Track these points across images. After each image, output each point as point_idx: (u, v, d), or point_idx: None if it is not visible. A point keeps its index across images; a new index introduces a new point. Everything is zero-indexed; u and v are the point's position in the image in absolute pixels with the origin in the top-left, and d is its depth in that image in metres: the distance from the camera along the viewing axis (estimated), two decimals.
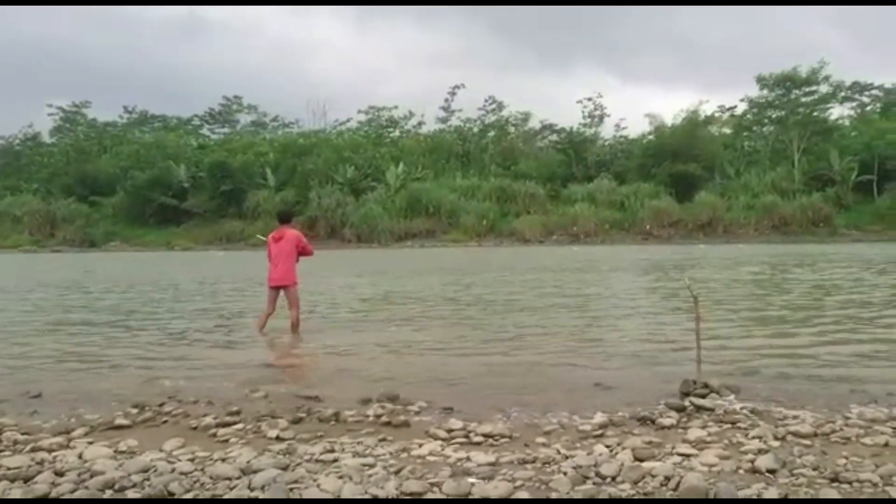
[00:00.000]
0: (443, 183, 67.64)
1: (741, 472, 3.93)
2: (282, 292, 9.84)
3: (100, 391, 6.32)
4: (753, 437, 4.59)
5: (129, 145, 75.91)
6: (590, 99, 77.73)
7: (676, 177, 63.27)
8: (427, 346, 8.69)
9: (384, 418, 5.17)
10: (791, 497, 3.52)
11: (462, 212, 62.91)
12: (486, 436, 4.72)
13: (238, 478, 3.85)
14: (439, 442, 4.61)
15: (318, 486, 3.67)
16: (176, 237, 64.15)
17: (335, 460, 4.19)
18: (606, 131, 79.05)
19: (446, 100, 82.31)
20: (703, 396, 5.69)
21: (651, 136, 71.95)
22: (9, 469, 4.07)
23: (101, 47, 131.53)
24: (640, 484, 3.72)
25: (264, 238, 10.25)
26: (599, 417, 5.17)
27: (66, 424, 5.18)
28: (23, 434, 4.92)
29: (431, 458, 4.26)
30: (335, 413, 5.26)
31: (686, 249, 42.21)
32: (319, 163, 68.06)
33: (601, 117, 77.87)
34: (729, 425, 4.95)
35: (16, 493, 3.64)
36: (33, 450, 4.53)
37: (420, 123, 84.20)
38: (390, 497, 3.55)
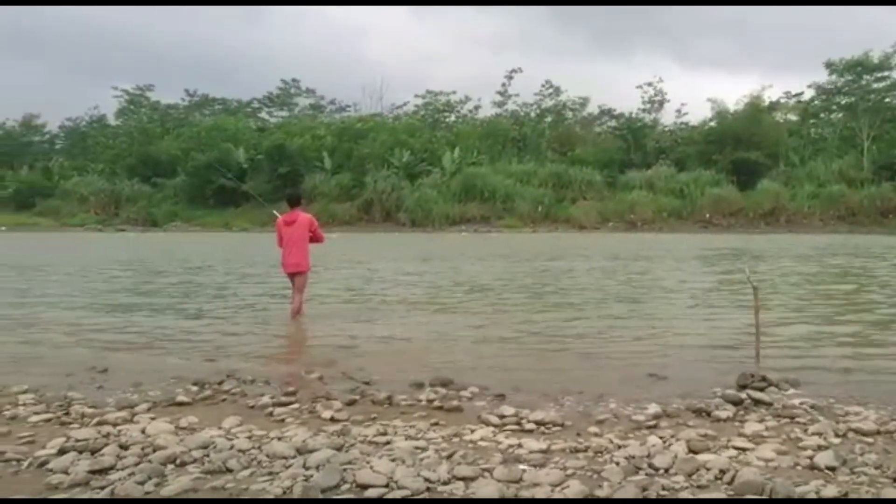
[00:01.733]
0: (498, 168, 67.37)
1: (799, 468, 3.85)
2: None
3: (161, 369, 6.51)
4: (813, 433, 4.49)
5: (190, 128, 77.43)
6: (649, 84, 76.35)
7: (738, 164, 61.83)
8: (481, 332, 8.70)
9: (437, 403, 5.22)
10: (851, 496, 3.44)
11: (517, 197, 62.60)
12: (539, 423, 4.72)
13: (293, 457, 3.94)
14: (491, 428, 4.62)
15: (371, 467, 3.73)
16: (234, 218, 65.31)
17: (388, 443, 4.24)
18: (666, 117, 77.58)
19: (503, 84, 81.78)
20: (762, 390, 5.58)
21: (712, 123, 70.37)
22: (77, 441, 4.23)
23: (164, 31, 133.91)
24: (694, 476, 3.68)
25: (279, 214, 9.84)
26: (653, 408, 5.11)
27: (129, 399, 5.36)
28: (90, 408, 5.10)
29: (483, 444, 4.28)
30: (388, 396, 5.32)
31: (747, 239, 41.30)
32: (375, 146, 68.42)
33: (661, 103, 76.50)
34: (787, 420, 4.85)
35: (84, 465, 3.78)
36: (99, 423, 4.69)
37: (476, 108, 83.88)
38: (442, 479, 3.58)
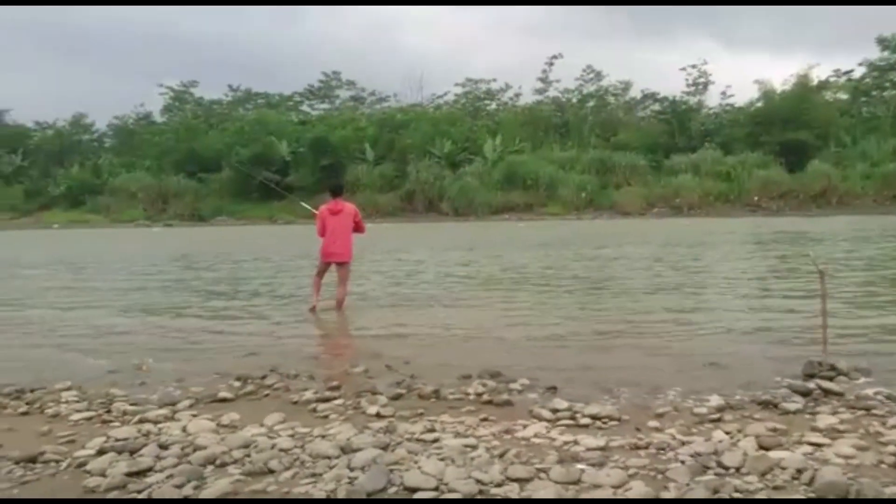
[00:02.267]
0: (540, 155, 66.75)
1: (884, 466, 3.54)
2: (332, 267, 9.50)
3: (205, 364, 6.40)
4: (893, 427, 4.15)
5: (233, 123, 78.20)
6: (693, 66, 74.78)
7: (786, 145, 60.22)
8: (529, 322, 8.45)
9: (485, 396, 4.99)
10: None
11: (560, 184, 61.94)
12: (594, 417, 4.46)
13: (338, 457, 3.75)
14: (544, 423, 4.39)
15: (420, 468, 3.52)
16: (278, 211, 65.80)
17: (436, 440, 4.03)
18: (711, 99, 75.98)
19: (543, 70, 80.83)
20: (831, 379, 5.24)
21: (759, 104, 68.62)
22: (116, 440, 4.10)
23: (208, 29, 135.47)
24: (769, 476, 3.39)
25: (310, 208, 9.71)
26: (716, 400, 4.81)
27: (171, 396, 5.24)
28: (131, 405, 4.99)
29: (536, 441, 4.05)
30: (435, 390, 5.11)
31: (798, 222, 40.18)
32: (417, 137, 68.34)
33: (705, 85, 74.89)
34: (863, 412, 4.51)
35: (122, 467, 3.64)
36: (140, 421, 4.57)
37: (517, 95, 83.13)
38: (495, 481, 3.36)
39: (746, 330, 7.61)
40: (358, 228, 9.46)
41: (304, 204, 10.49)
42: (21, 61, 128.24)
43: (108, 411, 4.87)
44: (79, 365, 6.57)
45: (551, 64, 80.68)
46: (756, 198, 57.58)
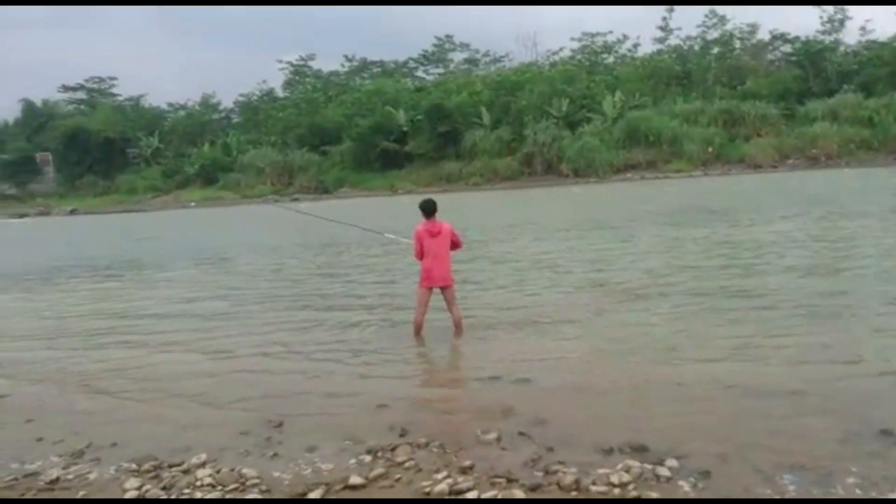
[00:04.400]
0: (662, 109, 64.33)
1: None
2: (435, 290, 8.96)
3: (335, 420, 6.30)
4: None
5: (351, 93, 79.52)
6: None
7: None
8: (673, 353, 7.71)
9: (632, 487, 4.60)
10: None
11: (685, 139, 59.57)
12: None
13: None
14: None
15: None
16: (399, 180, 66.69)
17: None
18: (849, 37, 70.62)
19: (663, 18, 77.55)
20: None
21: None
22: None
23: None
24: None
25: (407, 240, 9.08)
26: None
27: (302, 478, 5.15)
28: (264, 492, 4.93)
29: None
30: (575, 480, 4.75)
31: None
32: (533, 98, 67.24)
33: (842, 21, 69.67)
34: None
35: None
36: None
37: (635, 46, 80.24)
38: None
39: None
40: (456, 245, 9.04)
41: (388, 235, 10.19)
42: (155, 46, 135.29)
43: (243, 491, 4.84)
44: (212, 417, 6.64)
45: (671, 10, 77.15)
46: None
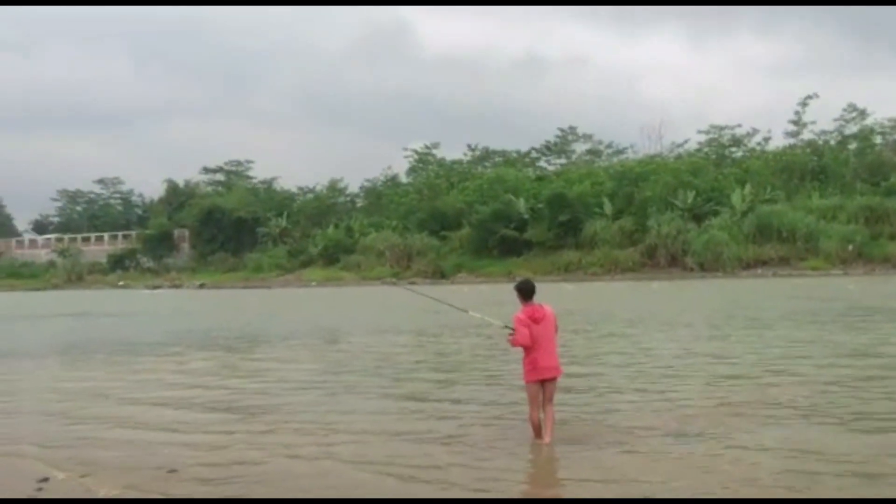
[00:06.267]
0: (796, 204, 61.42)
1: None
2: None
3: None
4: None
5: (473, 181, 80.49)
6: None
7: None
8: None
9: None
10: None
11: (822, 236, 56.35)
12: None
13: None
14: None
15: None
16: (516, 268, 66.08)
17: None
18: None
19: (796, 112, 75.11)
20: None
21: None
22: None
23: (450, 92, 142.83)
24: None
25: (511, 329, 7.45)
26: None
27: None
28: None
29: None
30: None
31: None
32: (657, 189, 65.89)
33: None
34: None
35: None
36: None
37: (766, 140, 77.85)
38: None
39: None
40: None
41: (489, 319, 8.34)
42: (292, 132, 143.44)
43: None
44: None
45: (805, 104, 74.94)
46: None
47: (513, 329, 7.40)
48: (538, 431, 7.48)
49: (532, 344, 7.33)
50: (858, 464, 6.35)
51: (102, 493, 5.73)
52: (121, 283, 78.28)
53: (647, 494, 5.71)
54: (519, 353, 7.54)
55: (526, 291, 7.56)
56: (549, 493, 6.37)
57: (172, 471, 6.68)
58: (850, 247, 54.81)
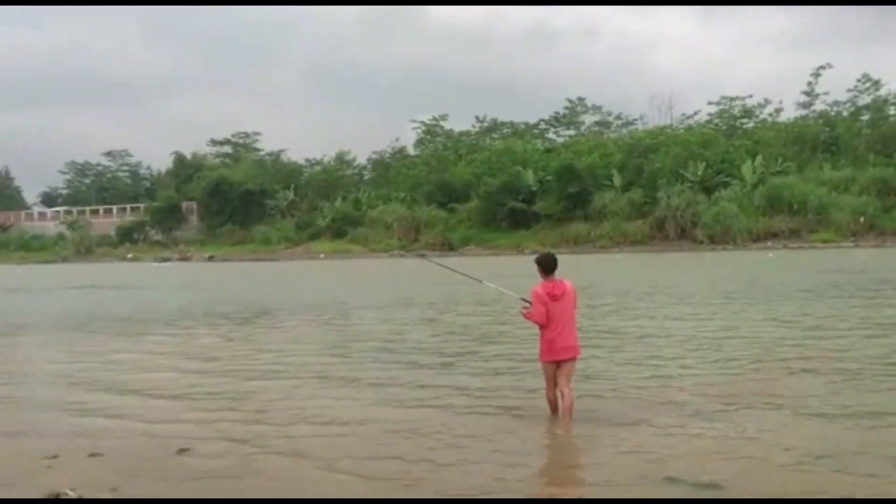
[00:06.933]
0: (807, 176, 60.92)
1: None
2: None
3: None
4: None
5: (481, 153, 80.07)
6: None
7: None
8: None
9: None
10: None
11: (833, 208, 55.92)
12: None
13: None
14: None
15: None
16: (525, 240, 65.91)
17: None
18: None
19: (809, 83, 74.41)
20: None
21: None
22: None
23: (458, 63, 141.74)
24: None
25: (528, 302, 7.16)
26: None
27: None
28: None
29: None
30: None
31: None
32: (667, 160, 65.39)
33: None
34: None
35: None
36: None
37: (777, 111, 77.05)
38: None
39: None
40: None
41: (512, 294, 7.87)
42: (299, 104, 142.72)
43: None
44: None
45: (818, 75, 74.18)
46: None
47: (529, 302, 7.14)
48: (554, 407, 7.28)
49: (548, 322, 7.01)
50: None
51: (106, 491, 5.61)
52: (130, 255, 78.38)
53: (668, 475, 5.56)
54: (533, 327, 7.31)
55: (547, 265, 7.11)
56: (565, 477, 6.22)
57: (184, 450, 6.58)
58: (862, 219, 54.40)
